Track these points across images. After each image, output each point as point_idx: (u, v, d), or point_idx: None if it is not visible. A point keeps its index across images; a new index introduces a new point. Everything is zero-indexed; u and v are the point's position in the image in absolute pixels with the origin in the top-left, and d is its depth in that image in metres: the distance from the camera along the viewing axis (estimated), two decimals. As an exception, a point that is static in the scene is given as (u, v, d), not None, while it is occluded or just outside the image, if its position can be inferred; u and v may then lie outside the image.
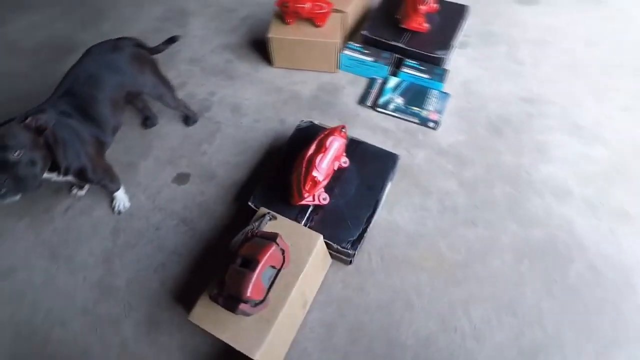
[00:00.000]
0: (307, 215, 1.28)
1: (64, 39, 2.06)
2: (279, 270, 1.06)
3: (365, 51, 1.80)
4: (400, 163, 1.48)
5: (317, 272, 1.27)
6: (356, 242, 1.24)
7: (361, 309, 1.27)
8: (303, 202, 1.24)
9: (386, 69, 1.77)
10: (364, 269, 1.34)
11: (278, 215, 1.23)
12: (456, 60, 1.88)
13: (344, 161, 1.35)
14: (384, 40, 1.80)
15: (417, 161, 1.58)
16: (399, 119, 1.69)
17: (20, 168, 1.01)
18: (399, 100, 1.69)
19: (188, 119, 1.68)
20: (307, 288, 1.21)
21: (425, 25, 1.79)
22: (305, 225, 1.25)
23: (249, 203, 1.32)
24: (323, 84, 1.83)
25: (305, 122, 1.50)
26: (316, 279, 1.28)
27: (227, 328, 1.05)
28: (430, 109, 1.66)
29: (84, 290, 1.31)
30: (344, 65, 1.85)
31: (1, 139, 0.98)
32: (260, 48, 1.94)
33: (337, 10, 1.82)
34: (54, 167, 1.14)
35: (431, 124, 1.65)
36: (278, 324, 1.07)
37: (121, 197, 1.45)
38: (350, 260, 1.30)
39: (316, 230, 1.22)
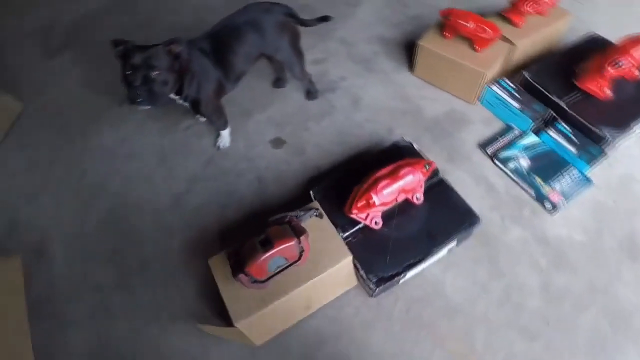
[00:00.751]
0: (353, 230, 1.24)
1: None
2: (291, 264, 1.08)
3: (516, 95, 1.56)
4: (486, 230, 1.31)
5: (335, 286, 1.24)
6: (382, 281, 1.16)
7: (357, 344, 1.21)
8: (354, 217, 1.21)
9: (530, 124, 1.51)
10: (384, 310, 1.26)
11: (325, 216, 1.23)
12: (629, 148, 1.49)
13: (418, 197, 1.24)
14: (544, 91, 1.53)
15: (508, 236, 1.35)
16: (514, 182, 1.46)
17: (155, 84, 1.23)
18: (524, 163, 1.44)
19: (309, 94, 1.77)
20: (315, 294, 1.20)
21: (607, 92, 1.44)
22: (346, 237, 1.22)
23: (311, 192, 1.34)
24: (453, 110, 1.68)
25: (404, 141, 1.41)
26: (331, 292, 1.25)
27: (230, 287, 1.13)
28: (555, 188, 1.37)
29: (165, 196, 1.56)
30: (485, 100, 1.65)
31: (149, 58, 1.20)
32: (410, 51, 1.86)
33: (506, 40, 1.60)
34: (179, 92, 1.36)
35: (548, 205, 1.37)
36: (270, 309, 1.10)
37: (225, 136, 1.64)
38: (372, 294, 1.23)
39: (353, 248, 1.19)
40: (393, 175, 1.14)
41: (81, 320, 1.31)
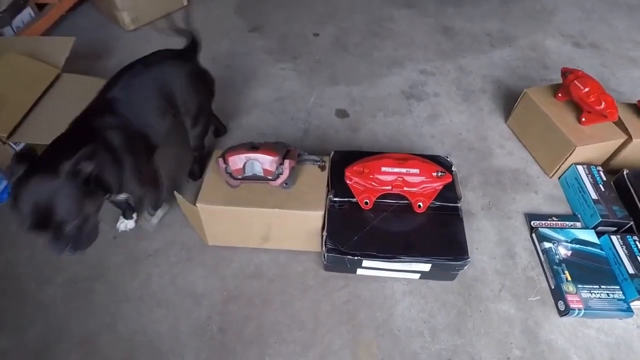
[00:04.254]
0: (343, 199, 1.20)
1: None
2: (266, 178, 1.11)
3: (600, 186, 1.33)
4: (475, 287, 1.21)
5: (297, 236, 1.23)
6: (337, 252, 1.10)
7: (282, 298, 1.19)
8: (348, 181, 1.18)
9: (597, 221, 1.27)
10: (327, 286, 1.21)
11: (327, 171, 1.24)
12: None
13: (420, 205, 1.16)
14: (636, 197, 1.27)
15: (494, 306, 1.17)
16: (538, 264, 1.25)
17: (77, 235, 0.90)
18: (562, 251, 1.22)
19: (192, 174, 1.47)
20: (275, 230, 1.21)
21: None
22: (332, 201, 1.20)
23: (332, 152, 1.35)
24: (523, 172, 1.50)
25: (446, 160, 1.31)
26: (291, 239, 1.24)
27: (215, 177, 1.20)
28: (581, 294, 1.13)
29: (234, 105, 1.74)
30: (564, 178, 1.44)
31: (52, 210, 0.83)
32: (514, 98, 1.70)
33: (625, 130, 1.38)
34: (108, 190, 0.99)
35: (561, 305, 1.14)
36: (231, 211, 1.16)
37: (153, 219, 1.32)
38: (324, 264, 1.19)
39: (332, 212, 1.17)
40: (400, 161, 1.10)
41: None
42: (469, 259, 1.09)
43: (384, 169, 1.10)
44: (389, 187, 1.13)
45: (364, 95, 1.80)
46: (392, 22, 2.21)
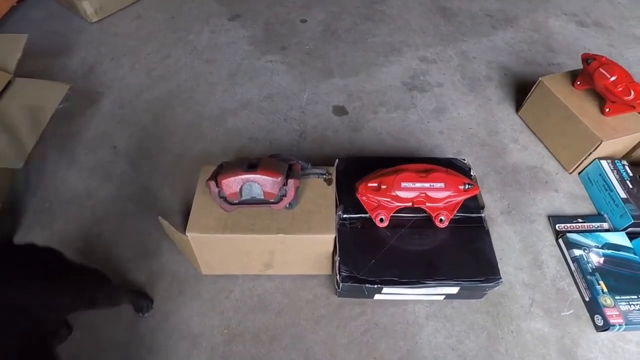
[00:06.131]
0: (354, 216, 1.06)
1: None
2: (266, 202, 0.95)
3: (628, 183, 1.23)
4: (504, 304, 1.09)
5: (305, 261, 1.08)
6: (352, 280, 0.96)
7: (292, 332, 1.05)
8: (360, 197, 1.04)
9: (628, 222, 1.17)
10: (341, 315, 1.07)
11: (334, 185, 1.09)
12: None
13: (442, 219, 1.02)
14: (669, 195, 1.18)
15: (526, 325, 1.06)
16: (569, 273, 1.14)
17: None
18: (595, 259, 1.12)
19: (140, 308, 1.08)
20: (280, 256, 1.06)
21: None
22: (342, 219, 1.05)
23: (337, 160, 1.20)
24: (540, 168, 1.39)
25: (462, 162, 1.19)
26: (298, 264, 1.10)
27: (205, 200, 1.03)
28: (619, 306, 1.03)
29: (214, 106, 1.55)
30: (586, 174, 1.33)
31: None
32: (525, 93, 1.54)
33: (649, 119, 1.28)
34: None
35: (598, 320, 1.04)
36: (227, 238, 1.00)
37: None
38: (338, 291, 1.05)
39: (343, 233, 1.02)
40: (422, 174, 0.95)
41: (86, 166, 1.36)
42: (501, 280, 0.97)
43: (404, 184, 0.95)
44: (410, 204, 0.99)
45: (362, 88, 1.64)
46: (385, 4, 2.03)
